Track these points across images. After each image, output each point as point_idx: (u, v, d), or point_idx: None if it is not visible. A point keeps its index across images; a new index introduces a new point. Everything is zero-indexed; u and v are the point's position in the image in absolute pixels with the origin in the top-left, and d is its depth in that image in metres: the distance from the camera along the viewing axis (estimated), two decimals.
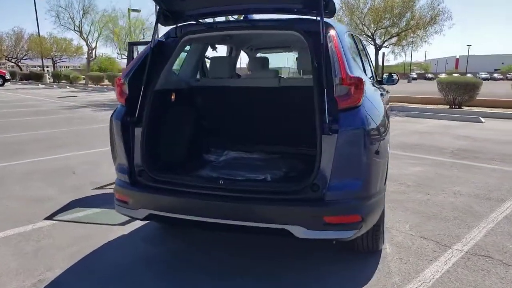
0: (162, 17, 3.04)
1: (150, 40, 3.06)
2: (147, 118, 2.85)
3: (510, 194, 4.71)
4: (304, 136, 3.29)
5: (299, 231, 2.39)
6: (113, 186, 3.00)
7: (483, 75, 67.12)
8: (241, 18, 3.26)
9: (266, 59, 4.40)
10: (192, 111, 3.83)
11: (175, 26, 3.15)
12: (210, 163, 3.58)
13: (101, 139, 8.10)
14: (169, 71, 3.20)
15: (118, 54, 35.85)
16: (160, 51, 3.04)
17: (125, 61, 6.24)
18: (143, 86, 2.88)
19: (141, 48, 5.82)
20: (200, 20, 3.13)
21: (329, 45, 2.56)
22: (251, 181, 2.91)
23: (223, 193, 2.59)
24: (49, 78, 43.74)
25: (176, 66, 3.65)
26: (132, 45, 6.30)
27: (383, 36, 26.36)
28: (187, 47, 3.87)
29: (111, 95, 22.59)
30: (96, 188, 4.96)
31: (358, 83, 2.44)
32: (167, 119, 3.27)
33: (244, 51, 5.17)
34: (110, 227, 3.71)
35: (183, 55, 3.93)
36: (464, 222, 3.82)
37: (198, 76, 4.25)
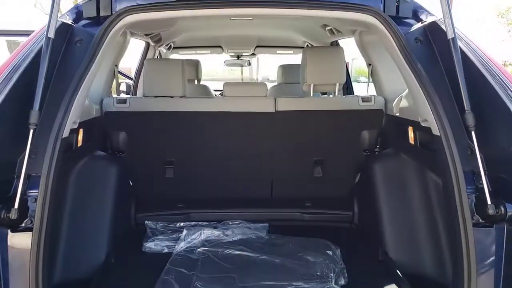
0: None
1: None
2: (50, 207, 1.38)
3: None
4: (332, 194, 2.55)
5: None
6: None
7: None
8: None
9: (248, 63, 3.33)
10: (119, 165, 2.35)
11: None
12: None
13: None
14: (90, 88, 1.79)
15: None
16: (67, 48, 1.64)
17: None
18: (32, 130, 1.39)
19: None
20: None
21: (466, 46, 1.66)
22: None
23: None
24: None
25: None
26: None
27: None
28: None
29: None
30: None
31: None
32: (86, 194, 2.03)
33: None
34: None
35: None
36: None
37: (115, 94, 2.89)
